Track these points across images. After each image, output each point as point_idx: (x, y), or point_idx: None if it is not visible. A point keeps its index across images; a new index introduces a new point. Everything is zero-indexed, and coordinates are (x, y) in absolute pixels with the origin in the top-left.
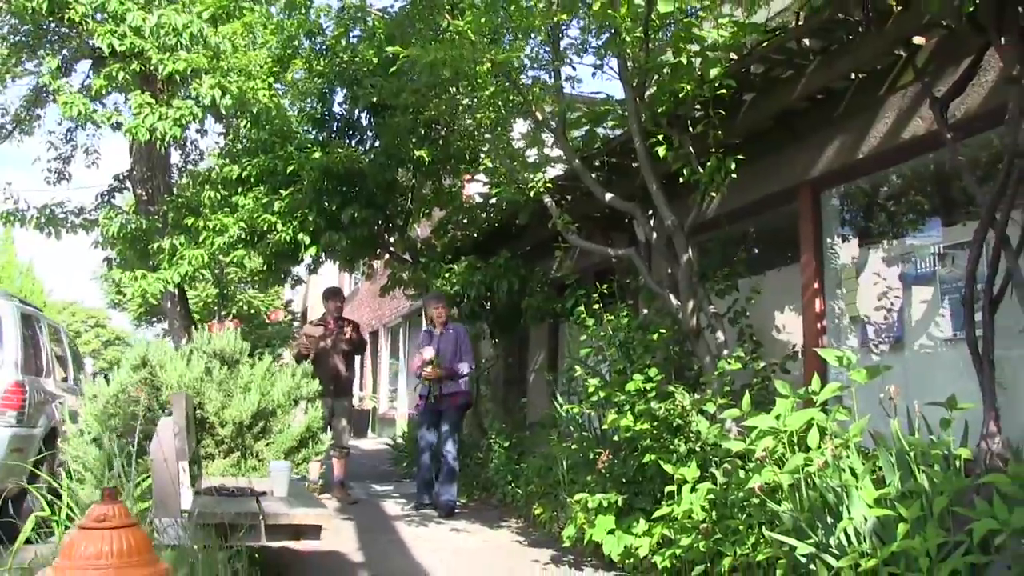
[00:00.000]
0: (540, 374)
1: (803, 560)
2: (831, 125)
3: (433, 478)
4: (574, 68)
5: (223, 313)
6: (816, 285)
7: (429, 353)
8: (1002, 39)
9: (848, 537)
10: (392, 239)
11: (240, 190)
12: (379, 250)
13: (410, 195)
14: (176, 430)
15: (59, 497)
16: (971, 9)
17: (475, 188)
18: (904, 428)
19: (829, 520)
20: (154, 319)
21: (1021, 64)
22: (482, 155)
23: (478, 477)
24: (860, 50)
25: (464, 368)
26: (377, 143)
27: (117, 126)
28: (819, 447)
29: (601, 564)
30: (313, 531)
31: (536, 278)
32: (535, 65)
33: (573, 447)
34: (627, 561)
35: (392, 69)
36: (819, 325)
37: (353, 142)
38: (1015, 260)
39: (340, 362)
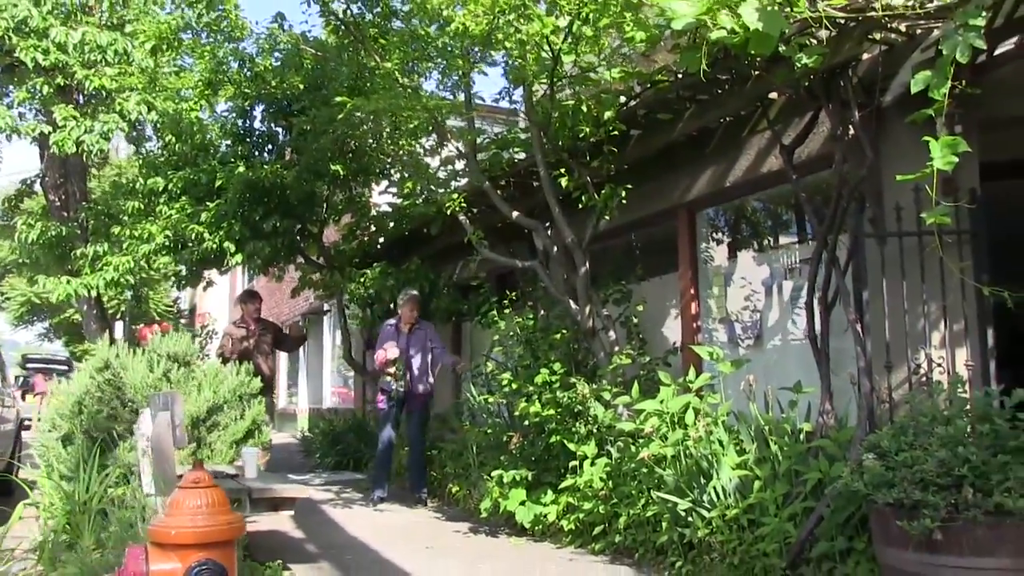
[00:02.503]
0: (444, 370)
1: (683, 513)
2: (704, 158)
3: (392, 472)
4: (485, 100)
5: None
6: (692, 291)
7: (393, 352)
8: (830, 105)
9: (717, 494)
10: (305, 245)
11: (163, 200)
12: (296, 255)
13: (324, 204)
14: (177, 422)
15: None
16: (807, 84)
17: (382, 197)
18: (761, 408)
19: (703, 481)
20: (35, 319)
21: (843, 125)
22: (393, 170)
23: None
24: (727, 102)
25: (448, 362)
26: (296, 157)
27: (41, 135)
28: (695, 424)
29: (514, 531)
30: (289, 503)
31: (443, 281)
32: (455, 113)
33: (487, 432)
34: (537, 527)
35: (342, 115)
36: (695, 325)
37: (273, 156)
38: (841, 275)
39: (263, 362)
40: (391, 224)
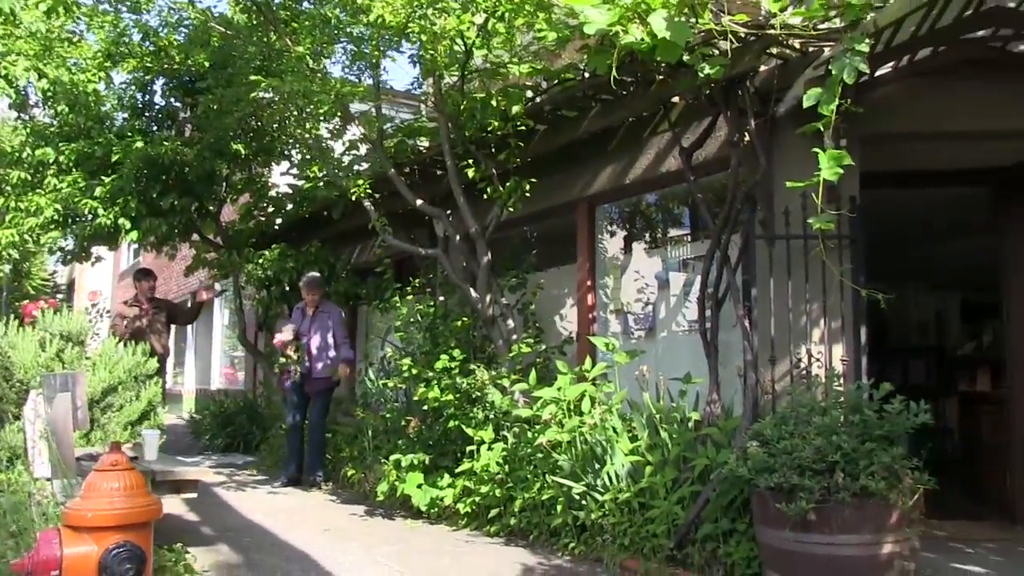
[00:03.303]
0: None
1: (577, 497)
2: (607, 155)
3: (301, 454)
4: (393, 87)
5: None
6: (589, 282)
7: (288, 334)
8: (728, 112)
9: (610, 478)
10: (202, 224)
11: (52, 172)
12: (192, 234)
13: (224, 184)
14: (79, 404)
15: None
16: (708, 91)
17: (283, 178)
18: (653, 397)
19: (596, 466)
20: None
21: (739, 132)
22: (295, 152)
23: (283, 448)
24: (631, 104)
25: (344, 352)
26: (198, 134)
27: None
28: (590, 412)
29: (410, 514)
30: (191, 485)
31: (342, 265)
32: (364, 97)
33: (385, 416)
34: (433, 510)
35: (253, 94)
36: (591, 315)
37: (172, 132)
38: (732, 273)
39: (156, 342)
40: (291, 205)
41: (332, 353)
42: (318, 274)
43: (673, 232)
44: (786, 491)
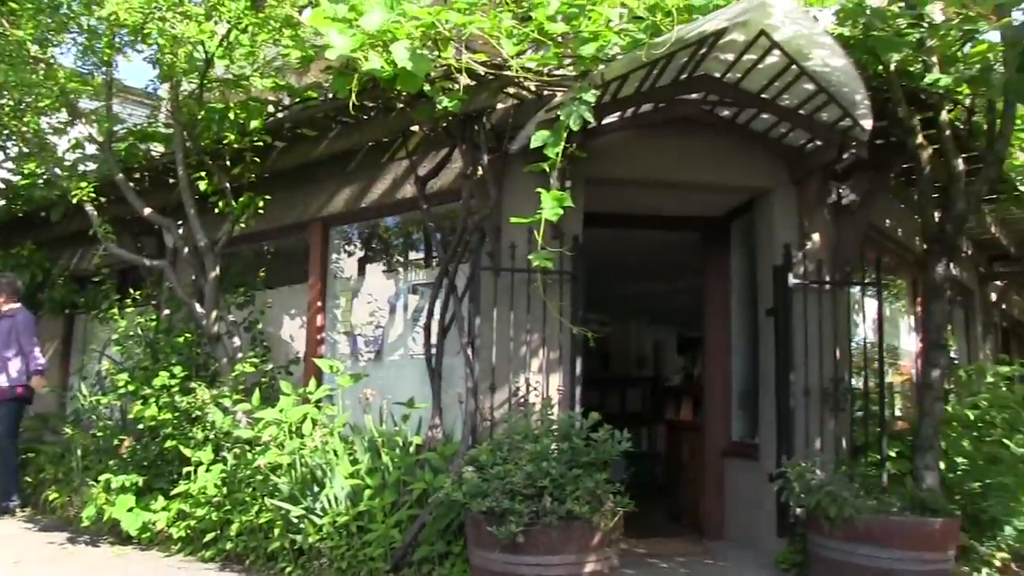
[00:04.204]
0: (52, 364)
1: (296, 520)
2: (345, 177)
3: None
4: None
5: None
6: (319, 303)
7: None
8: (463, 145)
9: (330, 501)
10: None
11: None
12: None
13: None
14: None
15: None
16: (445, 124)
17: None
18: (376, 421)
19: (316, 489)
20: None
21: (473, 165)
22: (10, 144)
23: None
24: (371, 129)
25: (32, 363)
26: None
27: None
28: (311, 434)
29: (119, 540)
30: None
31: (59, 270)
32: (95, 94)
33: (98, 434)
34: (144, 535)
35: None
36: (319, 336)
37: None
38: (458, 301)
39: None
40: (2, 202)
41: (18, 363)
42: (12, 275)
43: (408, 257)
44: (498, 515)
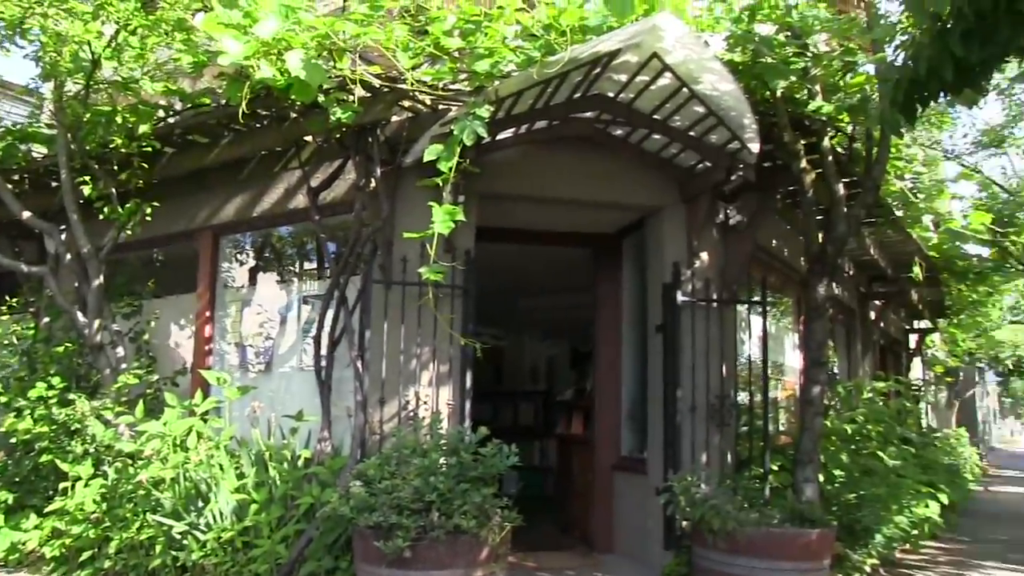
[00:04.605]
0: None
1: (178, 536)
2: (236, 185)
3: None
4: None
5: None
6: (208, 313)
7: None
8: (357, 157)
9: (215, 516)
10: None
11: None
12: None
13: None
14: None
15: None
16: (339, 135)
17: None
18: (264, 434)
19: (200, 504)
20: None
21: (366, 177)
22: None
23: None
24: (264, 137)
25: None
26: None
27: None
28: (196, 448)
29: None
30: None
31: None
32: None
33: None
34: (12, 556)
35: None
36: (207, 347)
37: None
38: (349, 314)
39: None
40: None
41: None
42: None
43: (301, 268)
44: (385, 529)
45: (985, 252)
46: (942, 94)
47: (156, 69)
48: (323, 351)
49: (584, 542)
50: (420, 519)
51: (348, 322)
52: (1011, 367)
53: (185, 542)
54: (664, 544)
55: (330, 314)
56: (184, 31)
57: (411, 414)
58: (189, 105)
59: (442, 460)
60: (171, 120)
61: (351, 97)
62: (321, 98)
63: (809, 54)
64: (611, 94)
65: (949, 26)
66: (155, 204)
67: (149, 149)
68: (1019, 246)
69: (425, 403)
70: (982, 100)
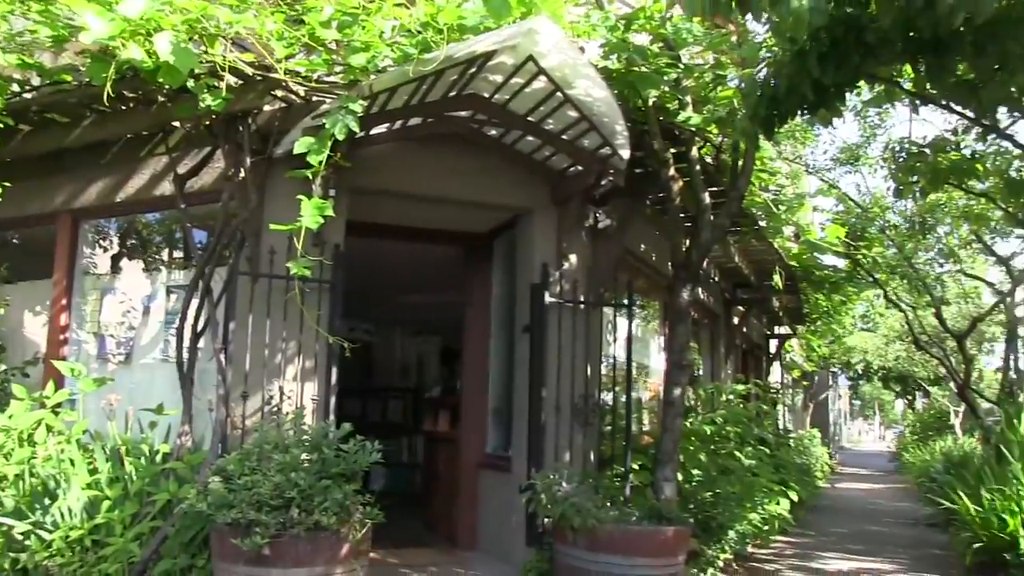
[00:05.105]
0: None
1: (20, 537)
2: (99, 169)
3: None
4: None
5: None
6: (64, 301)
7: None
8: (227, 146)
9: (63, 514)
10: None
11: None
12: None
13: None
14: None
15: None
16: (208, 122)
17: None
18: (121, 428)
19: (47, 502)
20: None
21: (236, 166)
22: None
23: None
24: (129, 120)
25: None
26: None
27: None
28: (44, 442)
29: None
30: None
31: None
32: None
33: None
34: None
35: None
36: (62, 336)
37: None
38: (213, 305)
39: None
40: None
41: None
42: None
43: (166, 257)
44: (244, 526)
45: (840, 263)
46: (800, 112)
47: (10, 40)
48: (186, 343)
49: (449, 539)
50: (280, 516)
51: (212, 314)
52: (860, 372)
53: (28, 542)
54: (526, 541)
55: (194, 305)
56: (42, 1)
57: (275, 409)
58: (48, 81)
59: (304, 456)
60: (27, 96)
61: (222, 84)
62: (191, 83)
63: (681, 66)
64: (486, 94)
65: (808, 48)
66: (7, 184)
67: (1, 126)
68: (869, 259)
69: (289, 398)
70: (839, 120)
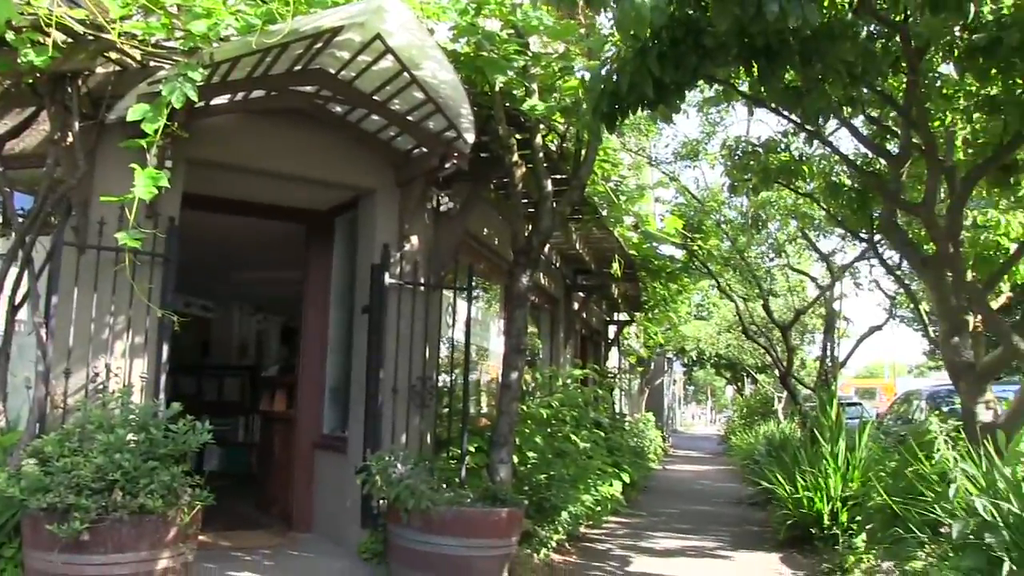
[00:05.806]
0: None
1: None
2: None
3: None
4: None
5: None
6: None
7: None
8: (53, 108)
9: None
10: None
11: None
12: None
13: None
14: None
15: None
16: (32, 80)
17: None
18: None
19: None
20: None
21: (63, 130)
22: None
23: None
24: None
25: None
26: None
27: None
28: None
29: None
30: None
31: None
32: None
33: None
34: None
35: None
36: None
37: None
38: (35, 277)
39: None
40: None
41: None
42: None
43: None
44: (61, 512)
45: (678, 254)
46: (641, 108)
47: None
48: (2, 316)
49: (283, 520)
50: (102, 499)
51: (33, 286)
52: (694, 358)
53: None
54: (361, 522)
55: (13, 274)
56: None
57: (100, 387)
58: None
59: (130, 436)
60: None
61: (48, 40)
62: (10, 36)
63: (529, 53)
64: (332, 70)
65: (649, 47)
66: None
67: None
68: (705, 250)
69: (117, 376)
70: (681, 116)
